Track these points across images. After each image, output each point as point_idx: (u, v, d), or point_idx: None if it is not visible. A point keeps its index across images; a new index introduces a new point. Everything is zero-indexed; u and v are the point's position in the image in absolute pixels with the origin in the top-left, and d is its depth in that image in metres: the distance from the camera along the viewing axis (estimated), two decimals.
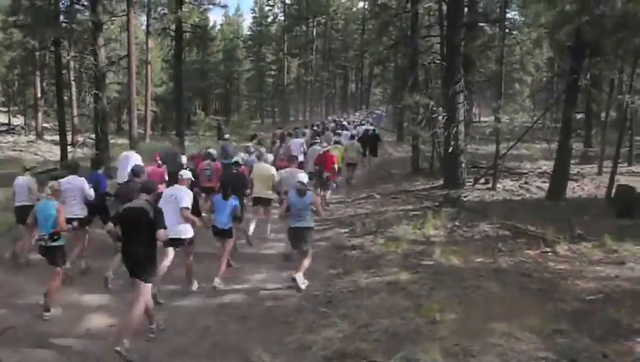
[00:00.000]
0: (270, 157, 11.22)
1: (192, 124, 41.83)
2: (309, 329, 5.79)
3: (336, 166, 11.69)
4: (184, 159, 10.93)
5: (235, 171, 9.36)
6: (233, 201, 7.65)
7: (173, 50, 29.55)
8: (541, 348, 4.86)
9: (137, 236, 5.60)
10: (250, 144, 14.06)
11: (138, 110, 33.15)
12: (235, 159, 9.98)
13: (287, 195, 7.84)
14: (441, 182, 14.89)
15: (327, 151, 12.54)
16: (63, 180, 7.71)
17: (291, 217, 7.53)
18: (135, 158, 10.36)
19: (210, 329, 6.10)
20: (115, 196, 8.38)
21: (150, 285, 5.78)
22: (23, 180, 8.53)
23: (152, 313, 5.88)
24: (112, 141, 20.66)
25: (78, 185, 7.98)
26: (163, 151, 12.06)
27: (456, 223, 10.28)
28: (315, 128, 22.15)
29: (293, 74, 58.40)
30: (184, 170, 8.00)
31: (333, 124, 26.33)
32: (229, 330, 6.04)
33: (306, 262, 7.49)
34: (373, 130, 20.80)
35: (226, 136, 16.75)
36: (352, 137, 18.91)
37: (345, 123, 27.99)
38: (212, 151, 11.34)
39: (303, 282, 7.24)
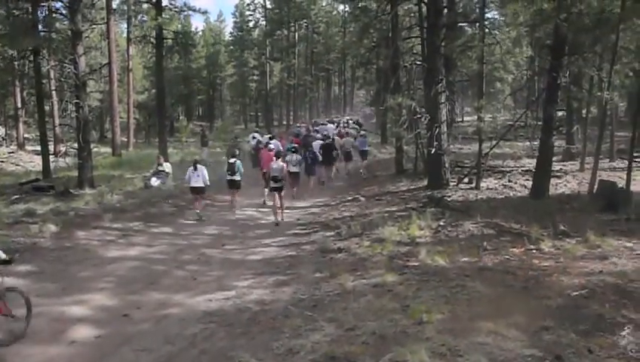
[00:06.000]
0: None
1: (175, 131, 41.61)
2: (296, 333, 5.77)
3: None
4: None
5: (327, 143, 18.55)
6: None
7: (154, 57, 29.37)
8: (527, 345, 4.90)
9: (330, 153, 17.54)
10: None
11: (120, 118, 32.98)
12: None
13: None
14: (425, 182, 14.97)
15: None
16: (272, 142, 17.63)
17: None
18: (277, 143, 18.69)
19: (198, 336, 6.04)
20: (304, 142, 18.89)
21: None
22: (275, 143, 17.46)
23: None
24: (94, 150, 20.42)
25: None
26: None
27: (441, 223, 10.33)
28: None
29: (276, 78, 58.26)
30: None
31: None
32: (216, 337, 5.99)
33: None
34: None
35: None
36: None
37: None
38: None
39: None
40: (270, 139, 19.20)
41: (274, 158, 12.98)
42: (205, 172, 12.85)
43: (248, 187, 15.11)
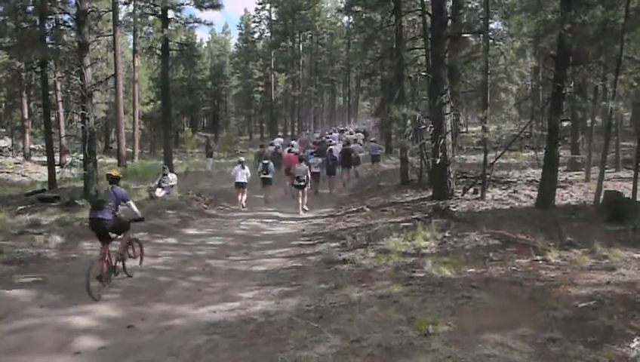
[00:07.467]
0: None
1: (180, 142, 41.76)
2: (301, 345, 5.72)
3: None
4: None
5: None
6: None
7: (160, 68, 29.57)
8: (534, 356, 4.84)
9: (349, 157, 20.13)
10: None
11: (126, 129, 33.18)
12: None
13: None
14: (430, 193, 14.94)
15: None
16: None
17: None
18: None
19: (202, 348, 6.01)
20: (318, 149, 20.86)
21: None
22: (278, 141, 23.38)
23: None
24: (100, 160, 20.51)
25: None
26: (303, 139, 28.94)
27: (447, 234, 10.29)
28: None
29: (280, 89, 58.54)
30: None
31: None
32: (221, 349, 5.95)
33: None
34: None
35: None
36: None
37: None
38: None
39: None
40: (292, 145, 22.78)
41: (298, 161, 16.01)
42: (249, 171, 16.11)
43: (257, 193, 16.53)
